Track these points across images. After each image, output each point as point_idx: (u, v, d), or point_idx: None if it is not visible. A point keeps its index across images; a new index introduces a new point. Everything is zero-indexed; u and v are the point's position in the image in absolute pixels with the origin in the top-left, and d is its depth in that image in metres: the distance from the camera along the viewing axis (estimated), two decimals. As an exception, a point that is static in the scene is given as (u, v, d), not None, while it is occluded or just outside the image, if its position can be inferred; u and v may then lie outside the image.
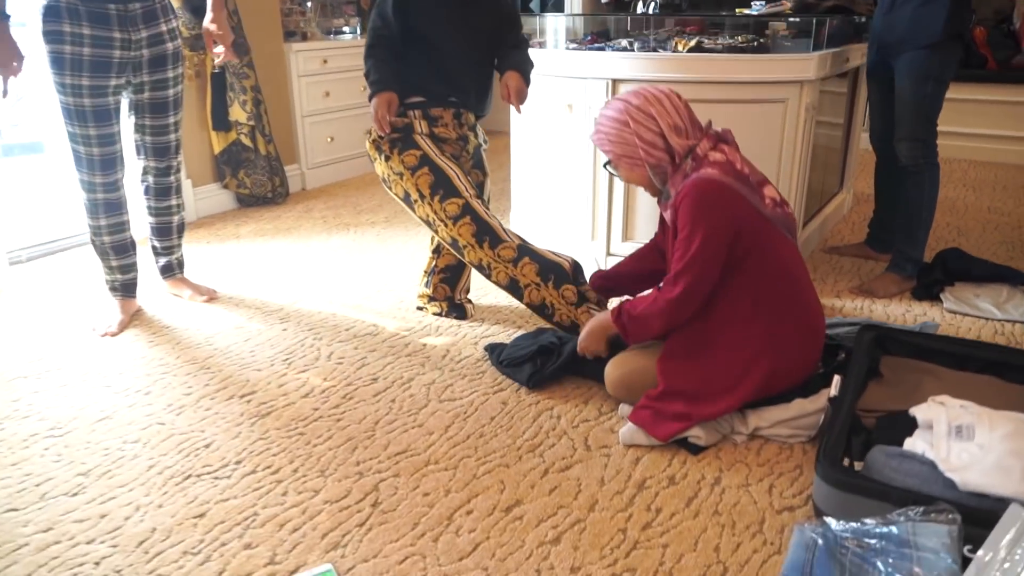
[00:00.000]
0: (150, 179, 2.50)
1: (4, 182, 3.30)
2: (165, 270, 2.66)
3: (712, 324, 1.74)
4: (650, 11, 3.34)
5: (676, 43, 2.48)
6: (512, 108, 2.29)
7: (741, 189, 1.68)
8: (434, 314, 2.50)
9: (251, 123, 3.66)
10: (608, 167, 1.84)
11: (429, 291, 2.51)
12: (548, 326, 2.23)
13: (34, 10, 2.17)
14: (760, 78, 2.42)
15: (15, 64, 2.11)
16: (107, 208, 2.35)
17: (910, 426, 1.56)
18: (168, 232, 2.60)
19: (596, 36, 2.84)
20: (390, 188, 2.30)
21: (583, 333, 1.94)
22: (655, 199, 1.88)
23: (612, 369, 1.87)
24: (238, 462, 1.69)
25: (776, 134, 2.51)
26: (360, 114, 4.46)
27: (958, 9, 2.36)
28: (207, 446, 1.76)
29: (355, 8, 4.70)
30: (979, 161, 4.60)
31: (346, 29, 4.57)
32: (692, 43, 2.44)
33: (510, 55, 2.30)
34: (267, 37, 3.86)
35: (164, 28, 2.32)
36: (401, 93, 2.23)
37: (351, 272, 2.93)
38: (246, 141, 3.68)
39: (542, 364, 2.04)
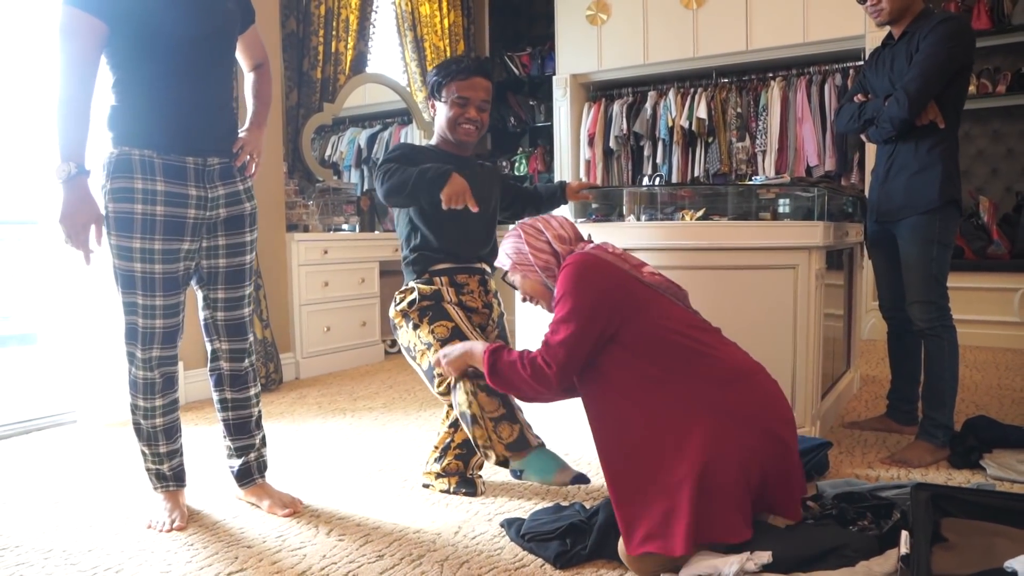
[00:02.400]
0: (224, 365, 2.14)
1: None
2: (243, 475, 2.19)
3: (617, 400, 1.74)
4: (656, 184, 3.48)
5: (684, 214, 2.54)
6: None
7: (615, 261, 1.80)
8: (441, 491, 2.29)
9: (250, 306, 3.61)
10: (506, 279, 2.01)
11: (439, 468, 2.32)
12: (567, 503, 2.06)
13: (98, 165, 1.94)
14: (769, 244, 2.45)
15: (94, 227, 1.89)
16: (164, 386, 2.03)
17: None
18: (247, 428, 2.19)
19: (600, 213, 2.91)
20: (414, 359, 2.22)
21: (456, 352, 2.00)
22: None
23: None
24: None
25: (788, 300, 2.50)
26: (358, 304, 4.47)
27: (950, 176, 2.45)
28: (188, 631, 1.50)
29: (355, 207, 4.88)
30: (972, 346, 4.63)
31: (345, 227, 4.71)
32: (699, 213, 2.49)
33: (541, 188, 2.58)
34: (271, 226, 3.94)
35: (241, 187, 2.09)
36: (427, 260, 2.26)
37: (349, 453, 2.74)
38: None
39: (572, 544, 1.83)
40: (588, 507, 2.00)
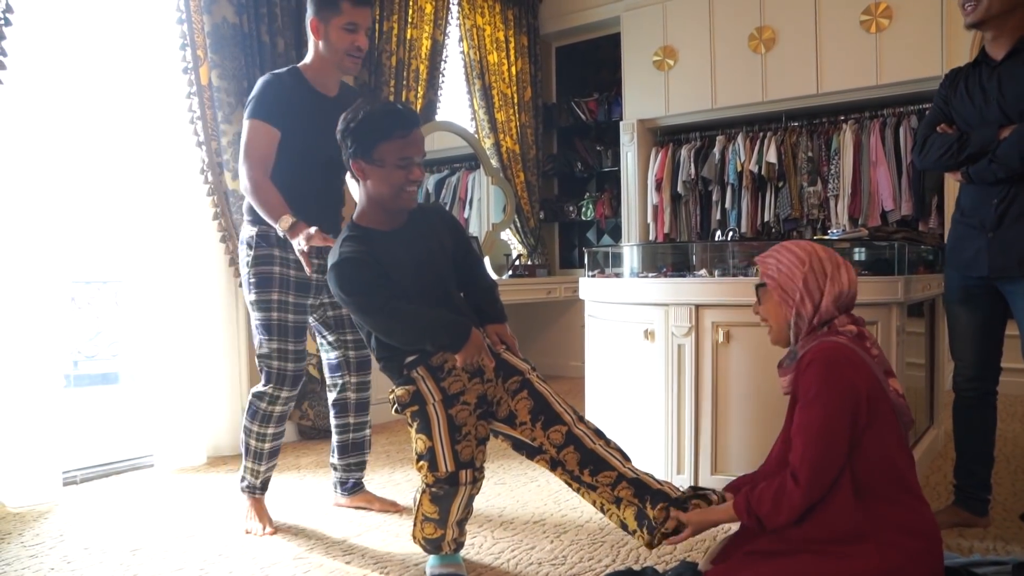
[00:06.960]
0: (351, 396, 2.65)
1: (68, 408, 3.33)
2: (356, 487, 2.71)
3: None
4: (728, 239, 3.42)
5: (758, 269, 2.48)
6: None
7: (868, 361, 1.61)
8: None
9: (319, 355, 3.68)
10: (758, 289, 1.83)
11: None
12: (638, 567, 1.98)
13: (243, 243, 2.46)
14: (849, 300, 2.36)
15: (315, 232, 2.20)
16: (279, 420, 2.48)
17: None
18: (362, 446, 2.70)
19: (671, 267, 2.87)
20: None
21: (697, 525, 1.77)
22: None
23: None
24: None
25: (870, 357, 2.40)
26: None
27: None
28: None
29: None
30: (1005, 394, 4.37)
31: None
32: (774, 267, 2.43)
33: (481, 290, 2.22)
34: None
35: None
36: (395, 358, 1.99)
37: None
38: (314, 372, 3.67)
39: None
40: (662, 570, 1.95)
